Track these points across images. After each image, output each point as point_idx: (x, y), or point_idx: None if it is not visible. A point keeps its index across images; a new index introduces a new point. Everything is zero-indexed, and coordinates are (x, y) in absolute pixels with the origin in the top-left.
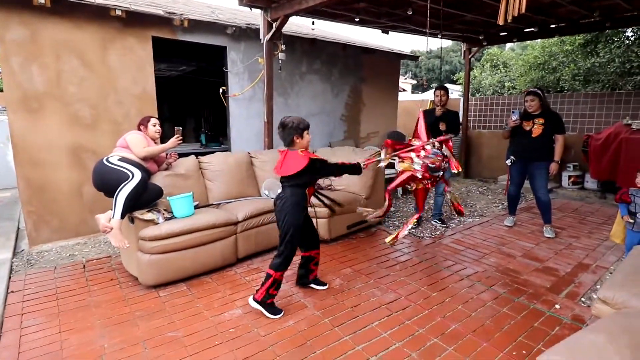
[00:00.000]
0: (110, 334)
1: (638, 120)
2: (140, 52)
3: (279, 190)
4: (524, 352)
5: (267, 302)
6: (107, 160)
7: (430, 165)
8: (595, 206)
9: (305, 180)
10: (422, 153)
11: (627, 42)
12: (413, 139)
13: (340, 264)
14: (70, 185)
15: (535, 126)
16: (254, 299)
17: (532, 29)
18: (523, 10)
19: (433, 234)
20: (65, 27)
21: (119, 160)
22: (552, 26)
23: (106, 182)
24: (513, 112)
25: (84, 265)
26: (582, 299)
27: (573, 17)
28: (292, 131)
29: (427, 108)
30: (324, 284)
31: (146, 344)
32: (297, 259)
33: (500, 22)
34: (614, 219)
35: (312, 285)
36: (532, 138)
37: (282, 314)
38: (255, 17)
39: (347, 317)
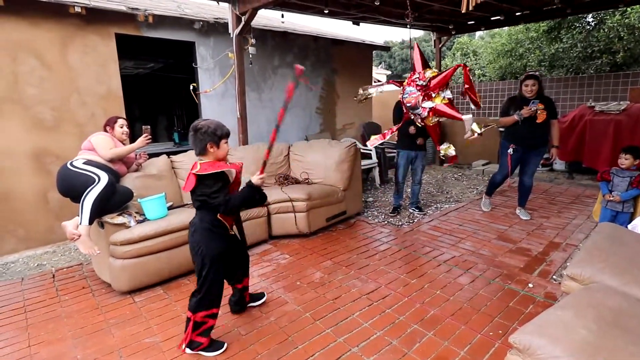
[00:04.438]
0: (84, 344)
1: (600, 102)
2: (103, 50)
3: None
4: (499, 331)
5: (198, 349)
6: (71, 164)
7: (406, 104)
8: (563, 187)
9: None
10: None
11: (588, 27)
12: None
13: (321, 257)
14: (34, 192)
15: (539, 112)
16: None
17: (499, 17)
18: None
19: (411, 221)
20: (20, 26)
21: (84, 163)
22: (517, 14)
23: (71, 187)
24: (533, 102)
25: (54, 275)
26: (554, 277)
27: (536, 4)
28: (206, 137)
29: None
30: (261, 296)
31: (122, 352)
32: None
33: (463, 10)
34: (582, 199)
35: (252, 305)
36: (537, 124)
37: (224, 347)
38: (223, 11)
39: (328, 310)
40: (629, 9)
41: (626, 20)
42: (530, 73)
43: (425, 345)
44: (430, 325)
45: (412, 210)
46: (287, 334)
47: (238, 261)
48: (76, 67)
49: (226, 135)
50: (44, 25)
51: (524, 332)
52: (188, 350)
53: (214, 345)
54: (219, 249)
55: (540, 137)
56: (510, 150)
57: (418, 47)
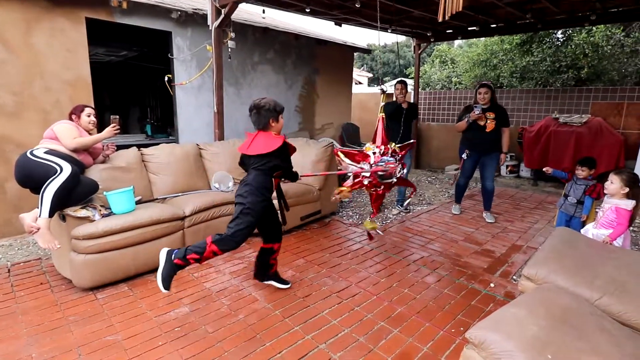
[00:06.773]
0: (40, 342)
1: (564, 115)
2: (72, 34)
3: (230, 183)
4: (461, 328)
5: (176, 264)
6: (31, 153)
7: (380, 172)
8: (528, 193)
9: (271, 165)
10: (372, 160)
11: (557, 43)
12: (370, 144)
13: (294, 255)
14: None
15: (488, 121)
16: (170, 252)
17: (475, 28)
18: (460, 9)
19: (384, 222)
20: None
21: (46, 152)
22: (493, 26)
23: (31, 177)
24: (476, 107)
25: (9, 270)
26: (514, 277)
27: (510, 18)
28: (269, 113)
29: (384, 102)
30: (286, 283)
31: (81, 350)
32: (251, 252)
33: (440, 18)
34: (544, 204)
35: (272, 283)
36: (486, 133)
37: (168, 291)
38: (202, 1)
39: (298, 308)
40: (594, 28)
41: (591, 39)
42: (484, 82)
43: (390, 341)
44: (396, 323)
45: (398, 208)
46: (255, 332)
47: (269, 224)
48: (42, 50)
49: (282, 110)
50: (6, 5)
51: (479, 327)
52: (163, 254)
53: (171, 276)
54: (260, 205)
55: (491, 144)
56: (464, 155)
57: (383, 120)
